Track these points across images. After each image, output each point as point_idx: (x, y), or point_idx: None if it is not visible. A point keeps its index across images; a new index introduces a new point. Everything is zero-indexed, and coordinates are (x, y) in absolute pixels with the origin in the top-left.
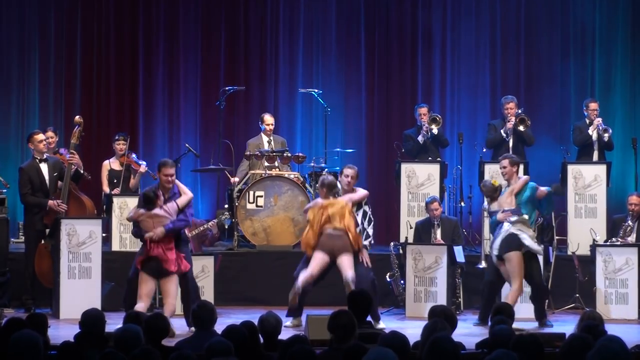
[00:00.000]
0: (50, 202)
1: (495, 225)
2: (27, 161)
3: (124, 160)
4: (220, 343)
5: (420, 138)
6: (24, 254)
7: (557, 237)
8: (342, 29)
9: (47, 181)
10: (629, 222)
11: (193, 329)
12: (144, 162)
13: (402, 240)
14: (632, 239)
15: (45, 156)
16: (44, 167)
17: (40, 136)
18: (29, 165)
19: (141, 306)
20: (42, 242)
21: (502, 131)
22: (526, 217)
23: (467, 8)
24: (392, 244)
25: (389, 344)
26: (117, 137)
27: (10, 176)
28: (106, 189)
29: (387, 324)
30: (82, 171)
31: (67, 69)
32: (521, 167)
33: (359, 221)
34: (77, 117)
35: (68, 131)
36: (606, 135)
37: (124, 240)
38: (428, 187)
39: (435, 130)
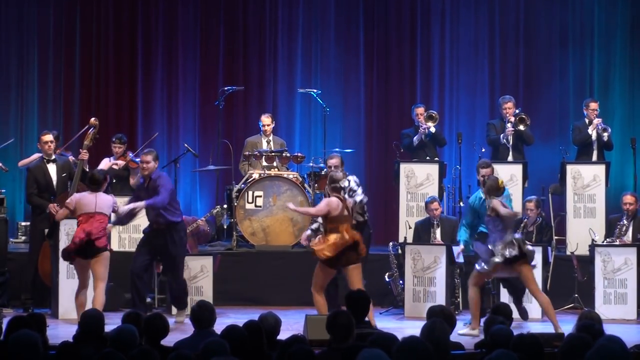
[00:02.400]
0: (50, 205)
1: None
2: (36, 161)
3: (122, 160)
4: (215, 343)
5: (415, 139)
6: (28, 253)
7: (556, 237)
8: (340, 29)
9: (55, 182)
10: (624, 221)
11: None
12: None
13: (401, 240)
14: (627, 238)
15: (53, 157)
16: (52, 168)
17: (46, 137)
18: (36, 165)
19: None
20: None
21: (501, 137)
22: None
23: (466, 7)
24: (391, 243)
25: (377, 344)
26: (113, 140)
27: (9, 175)
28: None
29: (386, 323)
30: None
31: (66, 68)
32: (520, 167)
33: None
34: (92, 119)
35: (67, 130)
36: (605, 134)
37: (122, 240)
38: (427, 187)
39: (432, 129)
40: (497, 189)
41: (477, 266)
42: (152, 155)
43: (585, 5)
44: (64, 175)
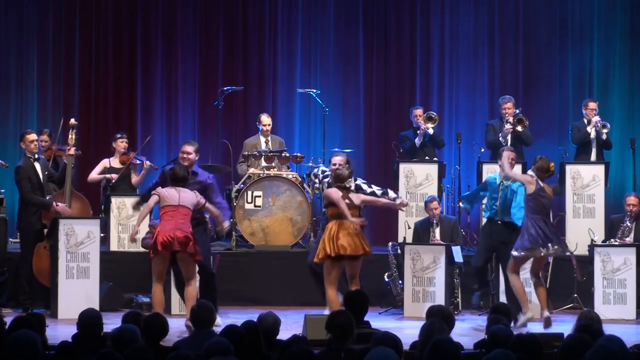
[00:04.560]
0: (58, 206)
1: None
2: (21, 160)
3: (125, 159)
4: (219, 343)
5: (417, 140)
6: (20, 254)
7: None
8: (340, 29)
9: (42, 180)
10: (627, 222)
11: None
12: (144, 157)
13: (400, 240)
14: (630, 239)
15: (37, 156)
16: (38, 167)
17: (32, 136)
18: (25, 163)
19: None
20: (43, 241)
21: (500, 135)
22: None
23: (465, 8)
24: (390, 244)
25: (382, 344)
26: (119, 136)
27: (8, 175)
28: (94, 176)
29: (385, 324)
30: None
31: (66, 69)
32: (519, 167)
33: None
34: (71, 120)
35: (66, 131)
36: (604, 131)
37: (122, 241)
38: (426, 187)
39: (430, 131)
40: (547, 170)
41: (514, 252)
42: (194, 147)
43: (584, 6)
44: (45, 173)
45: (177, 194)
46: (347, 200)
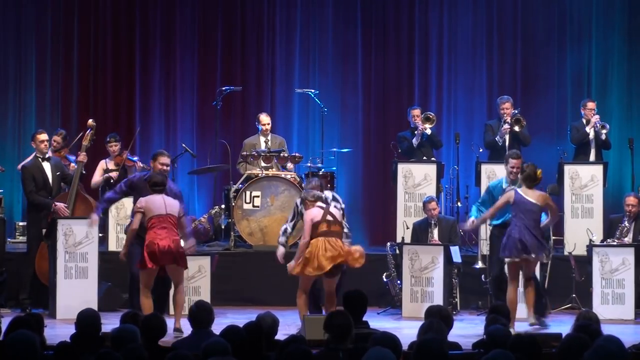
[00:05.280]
0: (56, 205)
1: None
2: (29, 159)
3: (119, 160)
4: (217, 343)
5: (414, 141)
6: (25, 253)
7: (553, 238)
8: (338, 29)
9: (50, 180)
10: (626, 223)
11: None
12: (137, 157)
13: (398, 240)
14: (628, 239)
15: (47, 155)
16: (47, 166)
17: (42, 136)
18: (32, 163)
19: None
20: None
21: (498, 136)
22: None
23: (464, 8)
24: (388, 244)
25: (380, 344)
26: (108, 139)
27: (7, 175)
28: (95, 179)
29: (383, 324)
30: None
31: (64, 69)
32: None
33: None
34: (90, 121)
35: (66, 130)
36: (603, 131)
37: (120, 241)
38: (425, 187)
39: (428, 131)
40: (534, 178)
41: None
42: (171, 158)
43: (583, 6)
44: (57, 174)
45: (162, 201)
46: (329, 217)
